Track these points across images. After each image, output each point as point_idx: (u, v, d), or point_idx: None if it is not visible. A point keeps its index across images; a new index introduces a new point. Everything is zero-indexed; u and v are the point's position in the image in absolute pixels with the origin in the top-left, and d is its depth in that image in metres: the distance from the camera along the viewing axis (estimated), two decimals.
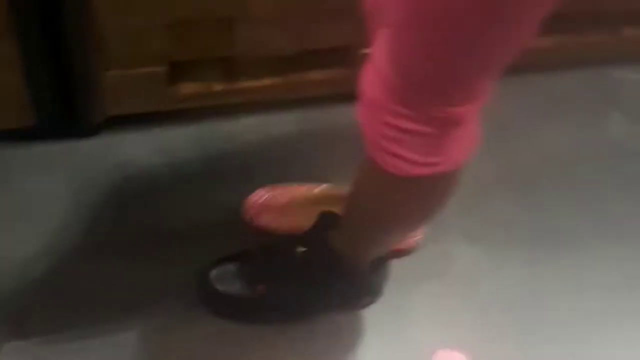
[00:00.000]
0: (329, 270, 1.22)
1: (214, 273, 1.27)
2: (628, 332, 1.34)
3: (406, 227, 1.13)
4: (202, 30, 1.35)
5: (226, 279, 1.27)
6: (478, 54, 0.84)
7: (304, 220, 1.26)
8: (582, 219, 1.48)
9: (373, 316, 1.31)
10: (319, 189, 1.39)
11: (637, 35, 1.67)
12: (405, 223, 1.09)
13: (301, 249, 1.22)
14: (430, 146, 0.92)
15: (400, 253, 1.36)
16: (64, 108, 1.37)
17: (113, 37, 1.29)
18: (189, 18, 1.32)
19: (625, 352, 1.31)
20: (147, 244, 1.34)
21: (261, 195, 1.39)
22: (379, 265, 1.26)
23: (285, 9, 1.36)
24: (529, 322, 1.33)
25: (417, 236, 1.37)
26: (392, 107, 0.88)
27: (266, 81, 1.48)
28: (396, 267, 1.33)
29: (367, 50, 0.92)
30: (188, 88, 1.44)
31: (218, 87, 1.46)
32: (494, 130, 1.53)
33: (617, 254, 1.44)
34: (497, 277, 1.38)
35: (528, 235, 1.45)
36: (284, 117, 1.55)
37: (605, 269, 1.41)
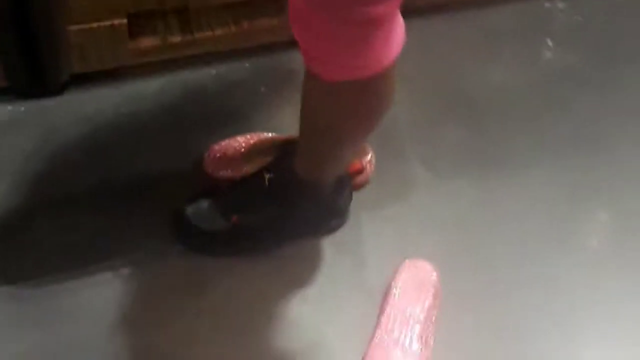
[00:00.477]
0: (296, 194, 1.30)
1: (189, 210, 1.34)
2: (568, 238, 1.45)
3: (351, 134, 1.16)
4: None
5: (201, 215, 1.34)
6: None
7: None
8: (523, 138, 1.58)
9: (340, 239, 1.40)
10: (270, 136, 1.45)
11: None
12: (348, 130, 1.13)
13: (269, 176, 1.30)
14: (354, 48, 0.95)
15: (355, 186, 1.44)
16: (31, 67, 1.42)
17: None
18: None
19: (567, 265, 1.41)
20: (118, 192, 1.41)
21: (219, 149, 1.44)
22: (341, 187, 1.34)
23: None
24: (480, 236, 1.43)
25: (368, 172, 1.45)
26: (314, 13, 0.92)
27: (220, 31, 1.54)
28: (358, 194, 1.43)
29: None
30: (147, 42, 1.50)
31: (175, 39, 1.52)
32: (440, 63, 1.67)
33: (557, 167, 1.55)
34: (453, 197, 1.49)
35: (477, 157, 1.55)
36: (241, 66, 1.61)
37: (548, 182, 1.52)
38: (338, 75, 0.99)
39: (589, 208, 1.51)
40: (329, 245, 1.39)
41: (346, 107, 1.07)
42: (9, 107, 1.47)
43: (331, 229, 1.40)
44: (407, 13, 1.66)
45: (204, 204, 1.34)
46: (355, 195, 1.43)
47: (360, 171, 1.42)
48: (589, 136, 1.61)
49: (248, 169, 1.40)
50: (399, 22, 1.00)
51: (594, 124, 1.63)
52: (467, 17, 1.75)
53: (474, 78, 1.68)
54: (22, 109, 1.48)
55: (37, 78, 1.45)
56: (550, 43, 1.75)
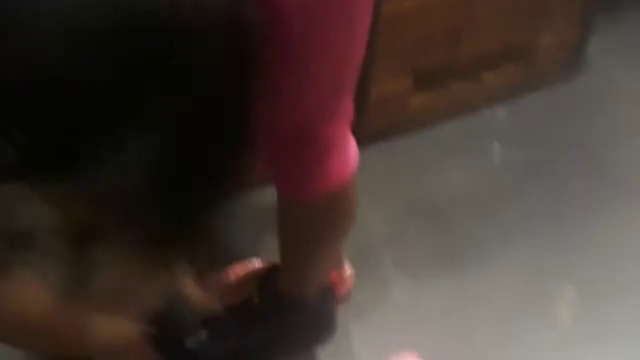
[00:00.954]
0: (284, 312, 1.42)
1: (189, 340, 1.43)
2: (542, 314, 1.59)
3: (324, 246, 1.27)
4: None
5: (200, 344, 1.43)
6: (327, 76, 0.97)
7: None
8: (485, 230, 1.74)
9: (332, 348, 1.51)
10: (261, 261, 1.56)
11: (496, 78, 1.98)
12: (321, 242, 1.24)
13: (257, 299, 1.43)
14: (319, 167, 1.06)
15: (340, 298, 1.57)
16: None
17: None
18: None
19: (546, 341, 1.54)
20: None
21: (209, 281, 1.53)
22: (325, 300, 1.46)
23: None
24: (460, 323, 1.56)
25: (348, 284, 1.59)
26: (279, 139, 1.01)
27: None
28: (343, 305, 1.56)
29: None
30: None
31: None
32: (402, 177, 1.84)
33: (520, 251, 1.70)
34: (428, 293, 1.62)
35: (445, 253, 1.70)
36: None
37: (515, 266, 1.67)
38: (304, 194, 1.11)
39: (557, 285, 1.66)
40: (322, 354, 1.50)
41: (316, 222, 1.18)
42: None
43: (322, 340, 1.52)
44: (370, 138, 1.87)
45: (202, 332, 1.44)
46: (341, 306, 1.56)
47: (340, 283, 1.55)
48: (544, 220, 1.77)
49: (238, 297, 1.50)
50: (352, 142, 1.12)
51: (546, 208, 1.80)
52: (422, 134, 1.94)
53: (435, 185, 1.85)
54: None
55: None
56: (497, 146, 1.94)
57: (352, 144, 1.12)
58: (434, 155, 1.92)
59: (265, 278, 1.45)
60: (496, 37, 1.90)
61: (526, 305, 1.61)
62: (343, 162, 1.11)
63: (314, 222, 1.19)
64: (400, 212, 1.78)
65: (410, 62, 1.78)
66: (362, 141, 1.85)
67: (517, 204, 1.81)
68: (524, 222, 1.76)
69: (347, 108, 1.06)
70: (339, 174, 1.11)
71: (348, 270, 1.59)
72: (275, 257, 1.38)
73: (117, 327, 1.21)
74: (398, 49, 1.72)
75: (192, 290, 1.35)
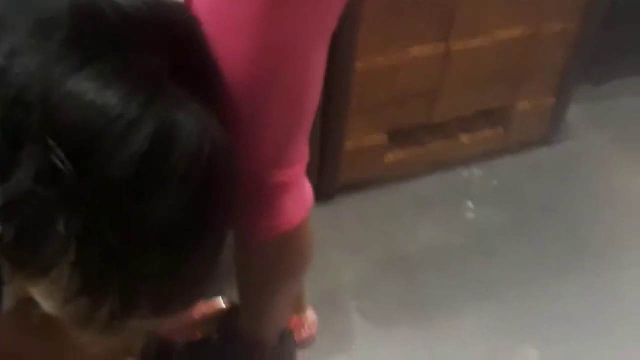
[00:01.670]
0: (242, 352, 1.44)
1: None
2: None
3: (280, 286, 1.28)
4: None
5: None
6: (280, 124, 1.01)
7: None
8: (455, 286, 1.78)
9: None
10: (219, 302, 1.59)
11: (472, 140, 2.04)
12: (277, 283, 1.26)
13: (216, 337, 1.46)
14: (272, 210, 1.09)
15: (302, 343, 1.60)
16: None
17: None
18: None
19: None
20: None
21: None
22: (283, 342, 1.47)
23: None
24: None
25: (311, 329, 1.62)
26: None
27: None
28: (305, 350, 1.60)
29: None
30: None
31: None
32: (376, 229, 1.88)
33: (487, 309, 1.73)
34: (393, 344, 1.65)
35: (414, 306, 1.73)
36: None
37: (481, 323, 1.70)
38: (258, 236, 1.14)
39: (518, 344, 1.68)
40: None
41: (274, 262, 1.21)
42: None
43: None
44: (346, 189, 1.91)
45: None
46: (303, 350, 1.59)
47: (302, 327, 1.58)
48: (513, 280, 1.80)
49: (200, 333, 1.54)
50: (307, 184, 1.16)
51: (516, 269, 1.83)
52: (397, 188, 1.99)
53: (407, 238, 1.89)
54: None
55: None
56: (471, 204, 1.98)
57: (306, 186, 1.16)
58: (408, 208, 1.96)
59: (227, 317, 1.48)
60: (472, 100, 1.96)
61: None
62: (297, 204, 1.13)
63: (268, 263, 1.21)
64: (371, 262, 1.82)
65: (384, 118, 1.84)
66: (336, 192, 1.95)
67: (487, 262, 1.84)
68: (493, 281, 1.79)
69: (302, 152, 1.09)
70: (292, 216, 1.13)
71: (312, 315, 1.62)
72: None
73: None
74: (372, 104, 1.79)
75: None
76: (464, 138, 2.04)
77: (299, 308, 1.58)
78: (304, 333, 1.60)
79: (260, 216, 1.11)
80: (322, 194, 1.89)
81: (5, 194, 0.74)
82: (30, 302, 1.01)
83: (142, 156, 0.75)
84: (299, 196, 1.14)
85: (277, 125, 1.02)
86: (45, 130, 0.73)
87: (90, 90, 0.74)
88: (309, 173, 1.17)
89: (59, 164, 0.72)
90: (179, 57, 0.82)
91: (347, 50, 1.64)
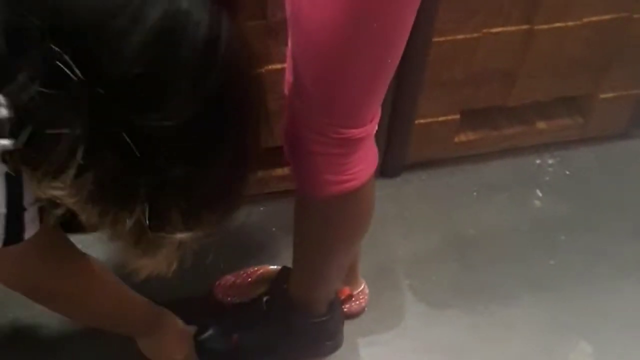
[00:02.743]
0: (290, 315, 1.44)
1: (196, 330, 1.49)
2: None
3: (338, 246, 1.29)
4: None
5: (206, 334, 1.48)
6: (363, 82, 1.00)
7: None
8: (510, 275, 1.73)
9: None
10: (274, 268, 1.60)
11: (549, 127, 1.98)
12: (335, 242, 1.26)
13: (266, 298, 1.46)
14: (338, 166, 1.09)
15: (351, 314, 1.60)
16: None
17: None
18: None
19: None
20: None
21: (229, 278, 1.62)
22: (332, 311, 1.47)
23: None
24: None
25: (362, 302, 1.61)
26: (302, 135, 1.07)
27: None
28: (354, 321, 1.60)
29: None
30: None
31: None
32: (438, 209, 1.85)
33: (541, 300, 1.68)
34: (443, 325, 1.63)
35: (467, 290, 1.70)
36: (256, 209, 1.81)
37: (533, 314, 1.66)
38: (324, 191, 1.14)
39: (572, 339, 1.63)
40: None
41: (329, 220, 1.21)
42: None
43: (326, 351, 1.54)
44: (412, 167, 1.89)
45: (210, 324, 1.50)
46: (352, 322, 1.59)
47: (350, 298, 1.57)
48: (572, 275, 1.75)
49: (251, 295, 1.56)
50: (374, 146, 1.16)
51: (577, 263, 1.77)
52: (464, 169, 1.96)
53: (468, 222, 1.85)
54: None
55: None
56: (539, 193, 1.93)
57: (374, 148, 1.16)
58: (473, 192, 1.92)
59: (277, 281, 1.48)
60: (552, 85, 1.90)
61: (539, 356, 1.59)
62: (364, 163, 1.14)
63: (329, 220, 1.21)
64: (429, 242, 1.79)
65: (459, 97, 1.79)
66: (402, 169, 1.91)
67: (548, 253, 1.79)
68: (552, 272, 1.75)
69: (375, 113, 1.10)
70: (359, 173, 1.13)
71: (364, 288, 1.62)
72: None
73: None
74: (447, 82, 1.74)
75: None
76: (540, 124, 1.98)
77: (352, 280, 1.58)
78: (355, 306, 1.59)
79: (328, 171, 1.11)
80: (388, 170, 1.88)
81: (11, 96, 0.73)
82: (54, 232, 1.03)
83: (149, 49, 0.73)
84: (368, 156, 1.15)
85: (356, 81, 1.01)
86: (50, 28, 0.71)
87: None
88: (377, 148, 1.17)
89: (64, 64, 0.71)
90: None
91: (427, 24, 1.60)
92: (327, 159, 1.09)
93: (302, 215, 1.25)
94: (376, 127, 1.12)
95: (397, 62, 1.03)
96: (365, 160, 1.14)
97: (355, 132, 1.07)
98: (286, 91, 1.13)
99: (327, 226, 1.22)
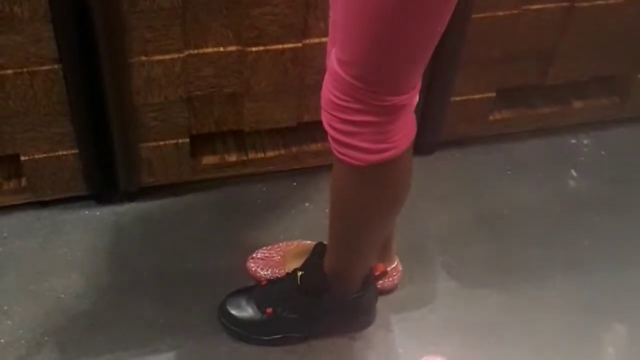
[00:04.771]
0: (324, 291, 1.44)
1: (229, 301, 1.51)
2: (584, 347, 1.56)
3: (375, 218, 1.28)
4: (215, 105, 1.65)
5: (239, 306, 1.50)
6: (411, 48, 1.02)
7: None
8: (544, 254, 1.72)
9: (369, 336, 1.53)
10: (308, 243, 1.60)
11: (585, 107, 1.96)
12: (373, 213, 1.26)
13: (301, 273, 1.47)
14: (379, 134, 1.10)
15: (384, 291, 1.59)
16: (107, 178, 1.66)
17: (144, 114, 1.60)
18: (203, 94, 1.62)
19: None
20: (174, 283, 1.59)
21: (262, 252, 1.63)
22: (366, 287, 1.47)
23: (277, 84, 1.63)
24: (502, 342, 1.55)
25: (395, 279, 1.61)
26: (343, 104, 1.07)
27: (271, 153, 1.77)
28: (387, 298, 1.59)
29: None
30: (207, 160, 1.74)
31: (232, 158, 1.75)
32: (471, 187, 1.84)
33: (574, 280, 1.67)
34: (474, 303, 1.62)
35: (499, 269, 1.69)
36: (289, 184, 1.82)
37: (566, 294, 1.65)
38: (361, 160, 1.14)
39: (605, 321, 1.62)
40: (357, 341, 1.53)
41: (369, 190, 1.21)
42: (86, 211, 1.71)
43: (359, 326, 1.54)
44: (446, 144, 1.88)
45: (243, 296, 1.51)
46: (385, 298, 1.58)
47: (384, 274, 1.57)
48: (606, 256, 1.73)
49: (286, 270, 1.56)
50: (413, 115, 1.17)
51: (611, 246, 1.76)
52: (499, 148, 1.95)
53: (502, 200, 1.84)
54: (98, 213, 1.71)
55: (111, 187, 1.69)
56: (574, 173, 1.91)
57: (413, 116, 1.16)
58: (507, 170, 1.91)
59: (312, 256, 1.47)
60: (591, 65, 1.88)
61: (572, 336, 1.58)
62: (405, 130, 1.14)
63: (369, 190, 1.21)
64: (462, 220, 1.79)
65: (495, 74, 1.78)
66: (438, 145, 1.90)
67: (581, 234, 1.78)
68: (585, 253, 1.73)
69: (416, 81, 1.10)
70: (400, 142, 1.14)
71: (397, 265, 1.61)
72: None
73: None
74: (484, 59, 1.73)
75: None
76: (577, 104, 1.96)
77: (386, 257, 1.57)
78: (388, 282, 1.59)
79: (370, 140, 1.11)
80: (422, 147, 1.87)
81: None
82: None
83: None
84: (407, 124, 1.15)
85: (405, 47, 1.01)
86: None
87: None
88: None
89: None
90: None
91: (466, 0, 1.59)
92: (370, 128, 1.10)
93: (340, 187, 1.25)
94: (417, 97, 1.13)
95: (442, 31, 1.03)
96: (405, 128, 1.14)
97: (398, 100, 1.08)
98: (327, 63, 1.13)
99: (366, 197, 1.22)
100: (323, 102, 1.12)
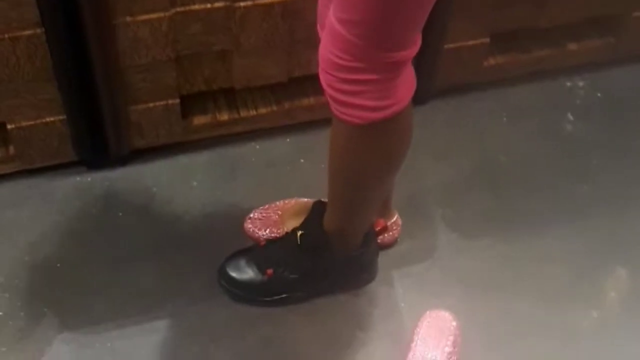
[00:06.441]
0: (325, 249, 1.42)
1: (229, 263, 1.49)
2: (587, 293, 1.55)
3: (375, 176, 1.27)
4: (204, 63, 1.60)
5: (239, 268, 1.48)
6: (414, 4, 1.01)
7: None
8: (544, 202, 1.71)
9: (371, 293, 1.52)
10: (305, 201, 1.59)
11: (580, 49, 1.93)
12: (373, 171, 1.25)
13: (300, 233, 1.44)
14: (382, 91, 1.09)
15: (384, 245, 1.58)
16: (97, 143, 1.62)
17: (132, 76, 1.56)
18: (191, 53, 1.57)
19: (582, 311, 1.52)
20: (170, 247, 1.57)
21: (260, 211, 1.60)
22: (367, 243, 1.46)
23: (267, 39, 1.59)
24: (504, 292, 1.54)
25: (395, 233, 1.59)
26: (345, 63, 1.05)
27: (263, 110, 1.73)
28: (387, 253, 1.58)
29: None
30: (198, 120, 1.70)
31: (223, 117, 1.71)
32: (468, 135, 1.82)
33: (575, 227, 1.66)
34: (475, 255, 1.61)
35: (499, 219, 1.67)
36: (283, 141, 1.79)
37: (567, 241, 1.64)
38: (363, 118, 1.12)
39: (607, 265, 1.61)
40: (360, 297, 1.52)
41: (371, 148, 1.19)
42: (78, 178, 1.67)
43: (361, 283, 1.53)
44: (440, 93, 1.84)
45: (243, 258, 1.49)
46: (385, 253, 1.57)
47: (384, 230, 1.55)
48: (606, 199, 1.72)
49: (284, 229, 1.55)
50: (412, 69, 1.14)
51: (611, 189, 1.75)
52: (494, 94, 1.92)
53: (498, 148, 1.82)
54: (89, 179, 1.67)
55: (102, 152, 1.65)
56: (571, 117, 1.89)
57: (412, 70, 1.14)
58: (502, 117, 1.89)
59: (311, 214, 1.45)
60: (585, 5, 1.84)
61: (573, 282, 1.58)
62: (406, 86, 1.13)
63: (369, 148, 1.19)
64: (459, 171, 1.76)
65: (488, 19, 1.74)
66: (432, 95, 1.87)
67: (580, 179, 1.76)
68: (584, 199, 1.72)
69: (417, 37, 1.08)
70: (401, 97, 1.12)
71: (397, 219, 1.59)
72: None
73: None
74: (477, 4, 1.69)
75: None
76: (571, 46, 1.93)
77: (385, 212, 1.56)
78: (388, 237, 1.58)
79: (373, 97, 1.09)
80: (416, 97, 1.81)
81: None
82: None
83: None
84: (409, 78, 1.13)
85: (407, 2, 1.00)
86: None
87: None
88: None
89: None
90: None
91: None
92: (373, 86, 1.08)
93: (340, 146, 1.22)
94: (416, 51, 1.10)
95: None
96: (407, 82, 1.13)
97: (402, 55, 1.06)
98: (319, 24, 1.09)
99: (368, 155, 1.21)
100: (322, 63, 1.09)
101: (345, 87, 1.08)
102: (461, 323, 1.44)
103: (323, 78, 1.11)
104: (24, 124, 1.55)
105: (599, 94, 1.94)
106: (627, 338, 1.48)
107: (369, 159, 1.21)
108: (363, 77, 1.06)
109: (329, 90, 1.11)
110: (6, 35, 1.40)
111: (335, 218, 1.38)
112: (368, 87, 1.08)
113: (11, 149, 1.61)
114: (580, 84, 1.96)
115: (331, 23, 1.05)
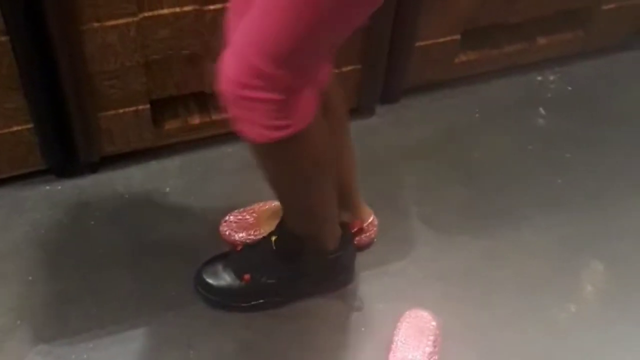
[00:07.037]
0: (299, 252, 1.41)
1: (205, 269, 1.47)
2: (565, 287, 1.56)
3: (302, 189, 1.29)
4: (174, 68, 1.58)
5: (216, 274, 1.47)
6: (330, 40, 1.05)
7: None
8: (519, 195, 1.71)
9: (349, 295, 1.51)
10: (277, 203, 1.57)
11: (550, 43, 1.93)
12: (296, 185, 1.26)
13: (274, 237, 1.43)
14: (281, 111, 1.10)
15: (362, 246, 1.57)
16: (66, 150, 1.60)
17: (101, 82, 1.53)
18: (161, 58, 1.55)
19: (561, 305, 1.52)
20: (145, 254, 1.55)
21: (234, 215, 1.59)
22: (344, 245, 1.45)
23: None
24: (484, 288, 1.54)
25: (372, 234, 1.58)
26: (247, 81, 1.06)
27: None
28: (364, 253, 1.56)
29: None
30: (169, 124, 1.67)
31: (194, 121, 1.69)
32: (440, 132, 1.81)
33: (552, 220, 1.67)
34: (453, 251, 1.61)
35: (476, 214, 1.68)
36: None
37: (544, 234, 1.64)
38: (264, 136, 1.12)
39: (584, 258, 1.62)
40: (339, 300, 1.51)
41: (280, 164, 1.21)
42: (47, 187, 1.64)
43: (340, 285, 1.52)
44: (412, 90, 1.84)
45: (219, 264, 1.47)
46: (362, 254, 1.56)
47: (361, 231, 1.54)
48: (581, 191, 1.73)
49: (259, 233, 1.54)
50: (312, 91, 1.15)
51: (585, 180, 1.76)
52: (466, 91, 1.92)
53: (472, 144, 1.82)
54: (59, 187, 1.64)
55: (71, 160, 1.63)
56: (542, 111, 1.89)
57: (314, 95, 1.15)
58: (475, 113, 1.89)
59: (283, 219, 1.44)
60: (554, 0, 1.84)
61: (551, 276, 1.58)
62: (304, 110, 1.13)
63: (280, 163, 1.21)
64: (434, 168, 1.76)
65: (459, 16, 1.73)
66: (403, 93, 1.86)
67: (555, 172, 1.77)
68: (560, 192, 1.73)
69: (321, 68, 1.14)
70: (300, 118, 1.13)
71: (373, 220, 1.59)
72: None
73: None
74: (448, 1, 1.68)
75: None
76: (541, 40, 1.93)
77: (360, 212, 1.55)
78: (365, 238, 1.57)
79: (273, 115, 1.09)
80: (388, 95, 1.83)
81: None
82: None
83: None
84: (308, 101, 1.14)
85: (322, 40, 1.04)
86: None
87: None
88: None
89: None
90: None
91: None
92: (270, 106, 1.08)
93: (258, 160, 1.23)
94: (327, 76, 1.15)
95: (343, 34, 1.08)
96: (306, 104, 1.13)
97: (304, 81, 1.08)
98: (228, 32, 1.13)
99: (279, 170, 1.23)
100: (224, 80, 1.08)
101: (245, 103, 1.08)
102: (441, 321, 1.43)
103: (224, 93, 1.09)
104: None
105: (569, 87, 1.95)
106: (604, 331, 1.49)
107: (282, 173, 1.23)
108: (263, 95, 1.06)
109: (229, 106, 1.10)
110: None
111: (296, 224, 1.38)
112: (267, 105, 1.08)
113: None
114: (551, 77, 1.97)
115: (237, 43, 1.06)
